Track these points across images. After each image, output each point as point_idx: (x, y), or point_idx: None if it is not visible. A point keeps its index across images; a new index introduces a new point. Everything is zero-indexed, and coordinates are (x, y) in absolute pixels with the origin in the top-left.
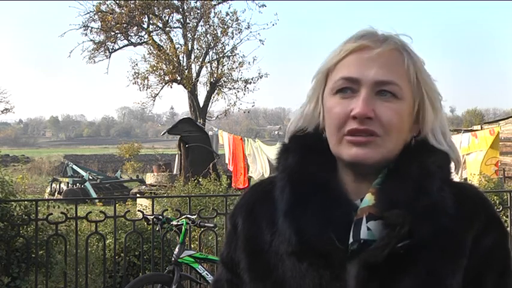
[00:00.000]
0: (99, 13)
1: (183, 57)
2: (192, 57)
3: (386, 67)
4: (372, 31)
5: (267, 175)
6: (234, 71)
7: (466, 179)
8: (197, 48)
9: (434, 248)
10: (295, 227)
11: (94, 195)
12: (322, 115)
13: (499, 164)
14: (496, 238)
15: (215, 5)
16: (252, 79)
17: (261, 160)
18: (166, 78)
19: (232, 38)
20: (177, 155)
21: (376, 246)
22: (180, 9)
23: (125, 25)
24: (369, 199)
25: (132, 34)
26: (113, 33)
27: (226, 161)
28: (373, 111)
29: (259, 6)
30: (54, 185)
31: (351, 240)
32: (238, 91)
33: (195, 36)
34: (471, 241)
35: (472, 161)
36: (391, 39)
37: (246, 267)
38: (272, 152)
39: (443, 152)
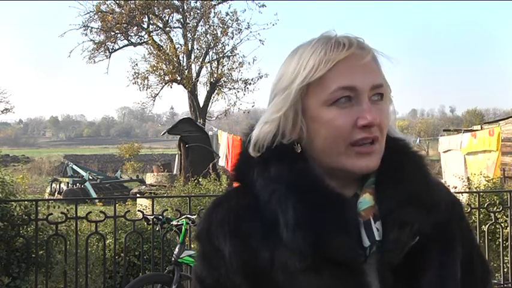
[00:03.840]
0: (99, 13)
1: (183, 57)
2: (192, 57)
3: (375, 71)
4: (340, 35)
5: None
6: (234, 71)
7: (468, 179)
8: (197, 48)
9: (439, 242)
10: (310, 239)
11: (94, 195)
12: (305, 129)
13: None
14: (466, 219)
15: (215, 5)
16: (252, 79)
17: None
18: (166, 78)
19: (232, 38)
20: (177, 155)
21: (393, 248)
22: (180, 9)
23: (125, 25)
24: (368, 199)
25: (132, 34)
26: (113, 33)
27: (222, 162)
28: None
29: (259, 6)
30: (54, 185)
31: (367, 243)
32: (238, 91)
33: (195, 36)
34: (457, 229)
35: (471, 161)
36: (365, 45)
37: None
38: None
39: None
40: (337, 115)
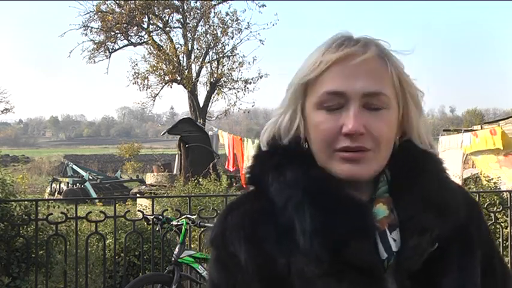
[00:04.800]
0: (99, 13)
1: (183, 57)
2: (192, 57)
3: (373, 76)
4: (350, 36)
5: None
6: (234, 71)
7: (467, 179)
8: (197, 48)
9: (458, 246)
10: (327, 245)
11: (94, 195)
12: (302, 128)
13: None
14: (486, 222)
15: (215, 5)
16: (252, 79)
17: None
18: (166, 78)
19: (232, 38)
20: (177, 155)
21: (412, 254)
22: (180, 9)
23: (125, 25)
24: (382, 209)
25: (132, 34)
26: (113, 33)
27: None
28: (364, 126)
29: (259, 6)
30: (54, 185)
31: (385, 255)
32: (238, 91)
33: (195, 36)
34: (476, 231)
35: (480, 160)
36: (371, 45)
37: None
38: None
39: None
40: (324, 119)
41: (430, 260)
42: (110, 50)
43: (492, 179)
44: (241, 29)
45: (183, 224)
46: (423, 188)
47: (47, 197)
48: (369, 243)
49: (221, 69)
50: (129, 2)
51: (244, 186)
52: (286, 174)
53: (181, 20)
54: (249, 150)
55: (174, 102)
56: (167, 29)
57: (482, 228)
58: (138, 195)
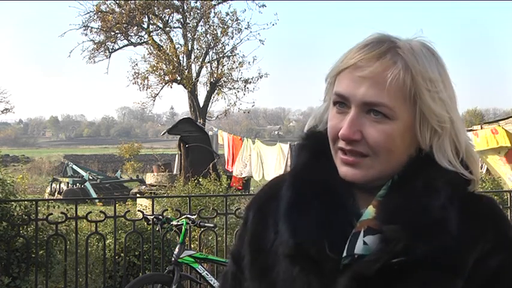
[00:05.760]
0: (99, 13)
1: (183, 57)
2: (192, 57)
3: (377, 86)
4: (378, 38)
5: (257, 176)
6: (234, 71)
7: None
8: (197, 48)
9: (430, 267)
10: (291, 229)
11: (94, 195)
12: None
13: None
14: (503, 259)
15: (215, 5)
16: (252, 79)
17: (257, 161)
18: (166, 78)
19: (232, 38)
20: (177, 155)
21: (369, 260)
22: (180, 9)
23: (125, 25)
24: (370, 211)
25: (132, 34)
26: (113, 33)
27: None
28: (360, 132)
29: (259, 6)
30: (54, 185)
31: (344, 254)
32: (238, 91)
33: (195, 36)
34: (473, 262)
35: (487, 158)
36: (390, 54)
37: (248, 263)
38: (270, 152)
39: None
40: (333, 116)
41: (393, 272)
42: (110, 50)
43: (492, 177)
44: (241, 29)
45: (183, 224)
46: (401, 200)
47: (47, 197)
48: (323, 241)
49: (221, 69)
50: (129, 2)
51: (239, 188)
52: (301, 156)
53: (181, 20)
54: (244, 152)
55: (174, 102)
56: (167, 29)
57: (486, 262)
58: (138, 195)
